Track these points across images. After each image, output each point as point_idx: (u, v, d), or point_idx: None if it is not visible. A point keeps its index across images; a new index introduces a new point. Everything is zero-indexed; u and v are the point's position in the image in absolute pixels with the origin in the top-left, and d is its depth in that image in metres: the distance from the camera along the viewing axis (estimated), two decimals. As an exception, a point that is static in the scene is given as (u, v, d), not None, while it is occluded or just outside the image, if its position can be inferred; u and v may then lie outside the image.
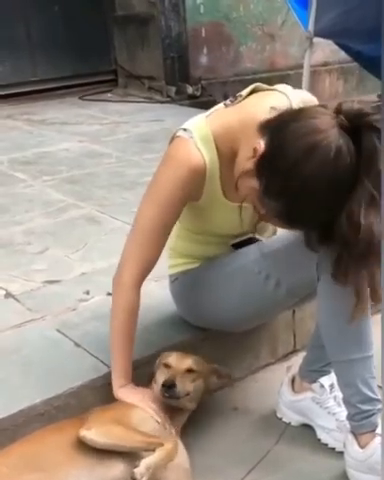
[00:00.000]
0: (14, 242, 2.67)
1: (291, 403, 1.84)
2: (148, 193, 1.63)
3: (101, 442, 1.45)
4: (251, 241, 1.76)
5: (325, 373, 1.79)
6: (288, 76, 5.73)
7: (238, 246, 1.77)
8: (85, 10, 5.84)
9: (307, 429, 1.81)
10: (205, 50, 5.91)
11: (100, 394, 1.72)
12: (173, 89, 5.68)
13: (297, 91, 1.64)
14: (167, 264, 1.89)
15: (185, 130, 1.58)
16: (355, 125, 1.36)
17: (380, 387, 1.58)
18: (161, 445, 1.46)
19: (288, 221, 1.47)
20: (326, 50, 5.88)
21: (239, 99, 1.60)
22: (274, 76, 5.77)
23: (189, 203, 1.65)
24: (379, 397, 1.59)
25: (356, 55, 4.46)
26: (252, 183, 1.46)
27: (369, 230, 1.35)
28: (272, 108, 1.46)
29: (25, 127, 4.83)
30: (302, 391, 1.82)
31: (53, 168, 3.71)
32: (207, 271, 1.78)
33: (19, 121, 5.01)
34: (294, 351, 2.15)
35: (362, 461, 1.57)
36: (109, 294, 2.03)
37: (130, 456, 1.47)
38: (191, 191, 1.60)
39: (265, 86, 1.63)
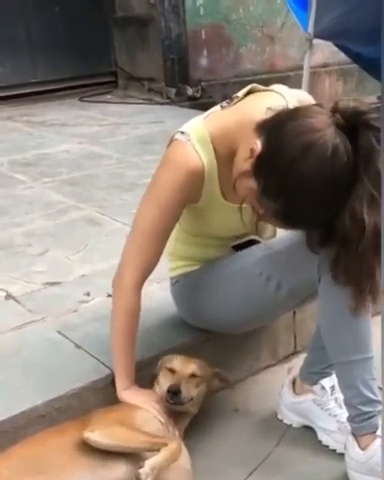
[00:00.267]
0: (14, 244, 2.67)
1: (292, 405, 1.84)
2: (147, 196, 1.63)
3: (105, 443, 1.45)
4: (251, 243, 1.76)
5: (326, 375, 1.79)
6: (288, 77, 5.72)
7: (239, 248, 1.77)
8: (85, 11, 5.84)
9: (308, 431, 1.81)
10: (205, 52, 5.91)
11: (101, 395, 1.72)
12: (173, 91, 5.68)
13: (293, 91, 1.65)
14: (168, 267, 1.89)
15: (183, 133, 1.58)
16: (352, 124, 1.36)
17: (381, 388, 1.58)
18: (165, 445, 1.46)
19: (287, 221, 1.47)
20: (326, 51, 5.88)
21: (235, 100, 1.61)
22: (274, 77, 5.75)
23: (188, 205, 1.65)
24: (380, 398, 1.59)
25: (356, 57, 4.46)
26: (250, 183, 1.46)
27: (374, 227, 1.35)
28: (269, 109, 1.47)
29: (25, 128, 4.83)
30: (303, 393, 1.82)
31: (53, 170, 3.71)
32: (208, 273, 1.78)
33: (19, 122, 5.01)
34: (295, 353, 2.15)
35: (363, 463, 1.57)
36: (110, 295, 2.03)
37: (132, 457, 1.47)
38: (190, 193, 1.60)
39: (261, 87, 1.63)
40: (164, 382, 1.66)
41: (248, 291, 1.70)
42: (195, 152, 1.56)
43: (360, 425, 1.59)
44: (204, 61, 5.92)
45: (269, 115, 1.45)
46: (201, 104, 5.34)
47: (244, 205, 1.58)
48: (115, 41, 6.09)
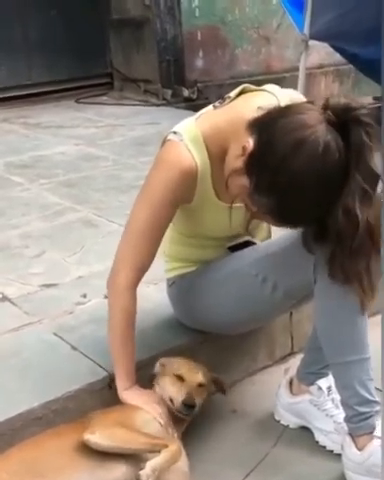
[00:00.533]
0: (11, 246, 2.67)
1: (289, 405, 1.84)
2: (141, 196, 1.64)
3: (105, 445, 1.44)
4: (247, 244, 1.76)
5: (323, 375, 1.79)
6: (284, 79, 5.73)
7: (234, 249, 1.77)
8: (81, 14, 5.83)
9: (305, 431, 1.81)
10: (201, 53, 5.91)
11: (98, 397, 1.72)
12: (169, 92, 5.68)
13: (285, 90, 1.65)
14: (164, 268, 1.89)
15: (175, 133, 1.59)
16: (343, 120, 1.36)
17: (380, 390, 1.58)
18: (166, 446, 1.46)
19: (280, 218, 1.47)
20: (321, 53, 5.88)
21: (228, 100, 1.61)
22: (270, 79, 5.73)
23: (182, 206, 1.65)
24: (377, 399, 1.59)
25: (351, 58, 4.47)
26: (242, 181, 1.46)
27: (367, 223, 1.36)
28: (259, 108, 1.47)
29: (21, 131, 4.82)
30: (300, 393, 1.82)
31: (49, 171, 3.71)
32: (203, 275, 1.78)
33: (15, 125, 5.01)
34: (292, 353, 2.15)
35: (360, 463, 1.57)
36: (106, 297, 2.03)
37: (132, 458, 1.47)
38: (183, 193, 1.61)
39: (253, 87, 1.64)
40: (173, 390, 1.64)
41: (244, 292, 1.70)
42: (188, 152, 1.56)
43: (357, 425, 1.59)
44: (200, 62, 5.92)
45: (260, 113, 1.46)
46: (197, 105, 5.33)
47: (237, 205, 1.58)
48: (111, 43, 6.09)
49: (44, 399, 1.65)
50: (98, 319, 1.98)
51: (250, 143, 1.43)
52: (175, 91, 5.70)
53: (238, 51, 6.12)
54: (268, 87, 1.63)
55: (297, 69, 4.09)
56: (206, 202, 1.64)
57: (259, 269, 1.66)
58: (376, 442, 1.56)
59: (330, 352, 1.61)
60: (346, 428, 1.64)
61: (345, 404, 1.62)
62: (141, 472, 1.39)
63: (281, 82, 1.77)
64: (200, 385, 1.67)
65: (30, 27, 5.76)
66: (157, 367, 1.73)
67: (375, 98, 4.90)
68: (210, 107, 1.65)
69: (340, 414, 1.70)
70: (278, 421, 1.86)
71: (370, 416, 1.58)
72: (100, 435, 1.45)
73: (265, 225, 1.88)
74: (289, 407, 1.84)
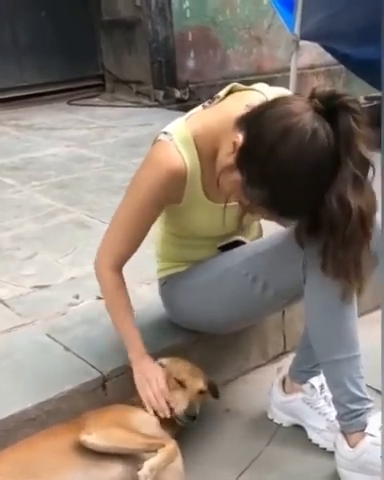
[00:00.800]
0: (3, 247, 2.67)
1: (282, 404, 1.84)
2: (128, 193, 1.66)
3: (102, 446, 1.44)
4: (238, 244, 1.77)
5: (315, 374, 1.79)
6: (275, 79, 5.74)
7: (225, 249, 1.77)
8: (71, 15, 5.84)
9: (298, 430, 1.82)
10: (192, 54, 5.92)
11: (91, 398, 1.72)
12: (161, 93, 5.69)
13: (274, 89, 1.65)
14: (156, 268, 1.90)
15: (166, 133, 1.59)
16: (330, 107, 1.36)
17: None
18: (162, 446, 1.46)
19: (273, 209, 1.46)
20: (313, 53, 5.91)
21: (217, 100, 1.62)
22: (261, 79, 5.71)
23: (171, 206, 1.66)
24: (368, 396, 1.59)
25: (343, 58, 4.47)
26: (234, 176, 1.46)
27: (359, 211, 1.36)
28: (247, 105, 1.47)
29: (13, 132, 4.82)
30: (293, 392, 1.82)
31: (41, 173, 3.70)
32: (195, 274, 1.78)
33: (6, 126, 5.00)
34: (284, 352, 2.15)
35: (352, 460, 1.58)
36: (99, 298, 2.04)
37: (127, 457, 1.47)
38: (169, 193, 1.61)
39: (242, 86, 1.64)
40: (175, 397, 1.64)
41: (234, 292, 1.70)
42: (178, 153, 1.56)
43: (349, 423, 1.60)
44: (191, 63, 5.93)
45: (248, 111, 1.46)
46: (189, 106, 5.29)
47: (230, 204, 1.58)
48: (102, 44, 6.09)
49: (37, 400, 1.65)
50: (91, 320, 1.99)
51: (240, 138, 1.43)
52: (167, 92, 5.71)
53: (229, 52, 6.14)
54: (257, 86, 1.64)
55: (288, 69, 4.10)
56: (196, 203, 1.65)
57: (249, 268, 1.67)
58: (368, 439, 1.56)
59: (320, 350, 1.62)
60: (338, 426, 1.64)
61: (336, 402, 1.63)
62: (139, 473, 1.39)
63: (272, 82, 1.77)
64: (201, 392, 1.68)
65: (20, 29, 5.77)
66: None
67: (367, 98, 4.91)
68: (200, 107, 1.65)
69: (333, 412, 1.70)
70: (271, 420, 1.87)
71: (361, 413, 1.58)
72: (97, 436, 1.45)
73: (256, 224, 1.89)
74: (282, 406, 1.84)
